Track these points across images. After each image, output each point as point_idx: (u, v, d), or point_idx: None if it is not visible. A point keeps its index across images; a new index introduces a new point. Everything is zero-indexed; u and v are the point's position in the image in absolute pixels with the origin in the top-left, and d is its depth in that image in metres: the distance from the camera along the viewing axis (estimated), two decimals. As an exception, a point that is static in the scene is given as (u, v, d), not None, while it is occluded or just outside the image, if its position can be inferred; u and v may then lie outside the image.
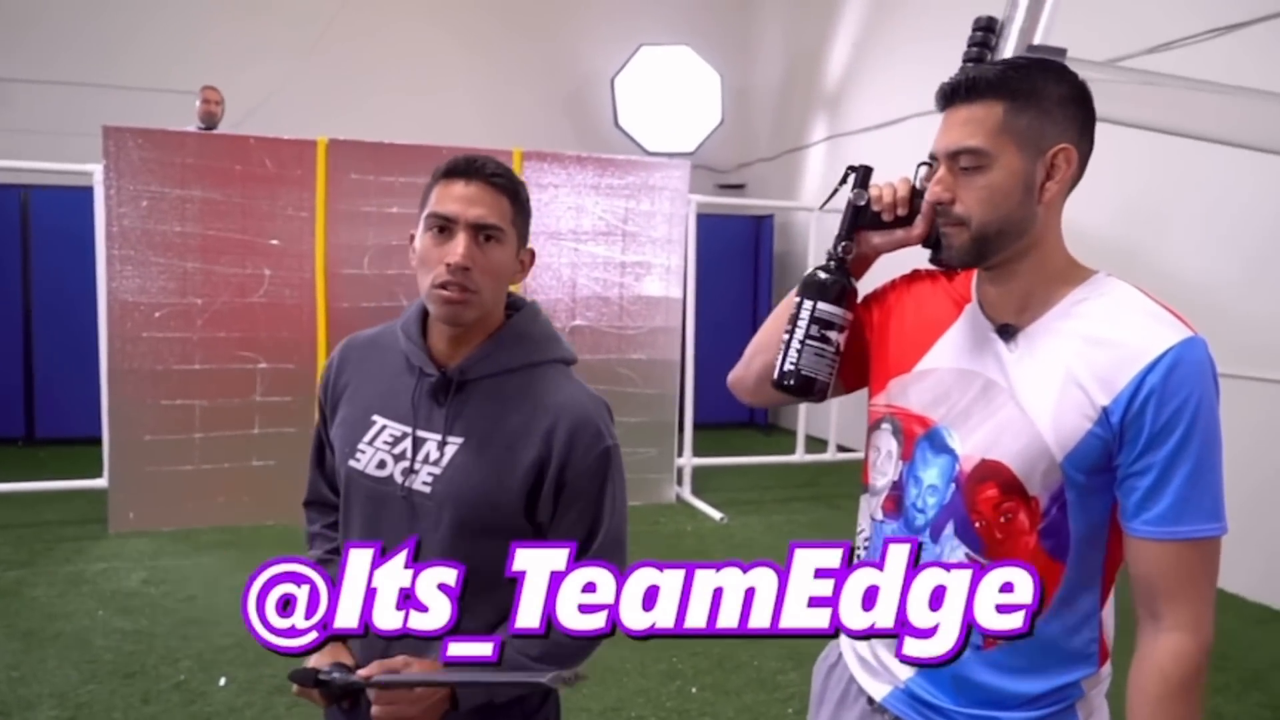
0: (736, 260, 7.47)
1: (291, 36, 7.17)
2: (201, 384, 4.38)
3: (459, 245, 1.12)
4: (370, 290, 4.59)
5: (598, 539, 1.20)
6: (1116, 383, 0.97)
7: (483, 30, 7.79)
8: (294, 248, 4.51)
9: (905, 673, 1.12)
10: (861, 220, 1.17)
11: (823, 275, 1.15)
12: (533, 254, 1.26)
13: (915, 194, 1.17)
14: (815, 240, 5.54)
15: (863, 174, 1.19)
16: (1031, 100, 1.00)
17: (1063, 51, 1.25)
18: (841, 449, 5.67)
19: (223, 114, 5.81)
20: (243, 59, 7.08)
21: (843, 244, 1.16)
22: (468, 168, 1.15)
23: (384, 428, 1.23)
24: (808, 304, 1.13)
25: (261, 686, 2.80)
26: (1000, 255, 1.04)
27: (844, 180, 1.21)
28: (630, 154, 6.53)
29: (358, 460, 1.23)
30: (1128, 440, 0.98)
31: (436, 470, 1.19)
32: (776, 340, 1.17)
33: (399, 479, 1.20)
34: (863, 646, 1.19)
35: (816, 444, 5.76)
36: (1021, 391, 1.03)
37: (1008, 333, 1.06)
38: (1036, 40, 1.29)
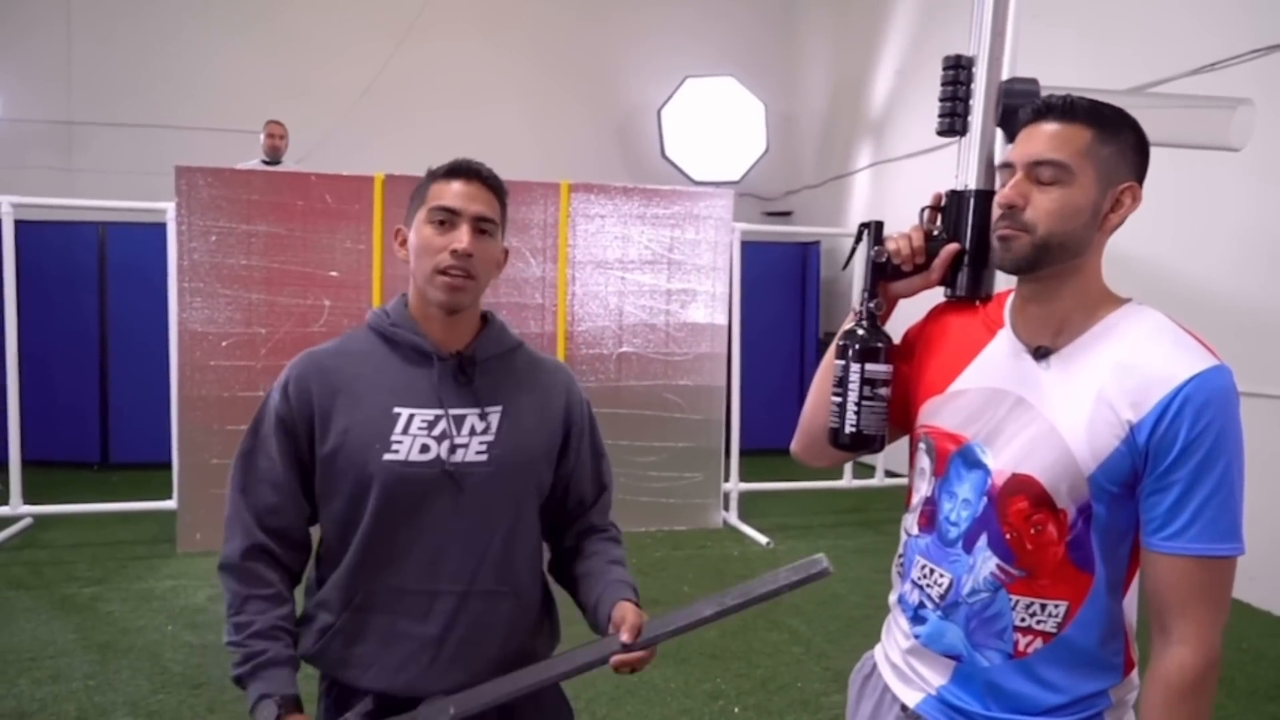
0: (783, 286, 7.52)
1: (349, 75, 7.49)
2: (265, 410, 4.57)
3: (464, 234, 1.25)
4: (424, 319, 4.76)
5: (605, 474, 1.47)
6: (1144, 404, 1.03)
7: (534, 66, 8.04)
8: (352, 279, 4.70)
9: (938, 680, 1.18)
10: (883, 274, 1.24)
11: (862, 335, 1.21)
12: (507, 252, 1.39)
13: (928, 239, 1.24)
14: (860, 269, 5.57)
15: (876, 230, 1.26)
16: (1116, 136, 1.08)
17: (1035, 82, 1.31)
18: (889, 474, 5.66)
19: (286, 147, 6.12)
20: (302, 98, 7.41)
21: (874, 301, 1.23)
22: (466, 169, 1.30)
23: (413, 416, 1.27)
24: (855, 366, 1.19)
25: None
26: (1051, 268, 1.09)
27: (859, 239, 1.28)
28: (677, 183, 6.66)
29: (395, 452, 1.25)
30: (1152, 459, 1.04)
31: (489, 438, 1.29)
32: (827, 404, 1.23)
33: (446, 457, 1.27)
34: (897, 656, 1.25)
35: (864, 469, 5.76)
36: (1054, 409, 1.08)
37: (1042, 354, 1.12)
38: (1004, 75, 1.36)
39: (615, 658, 1.21)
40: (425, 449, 1.27)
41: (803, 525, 5.34)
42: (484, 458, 1.28)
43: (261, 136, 6.07)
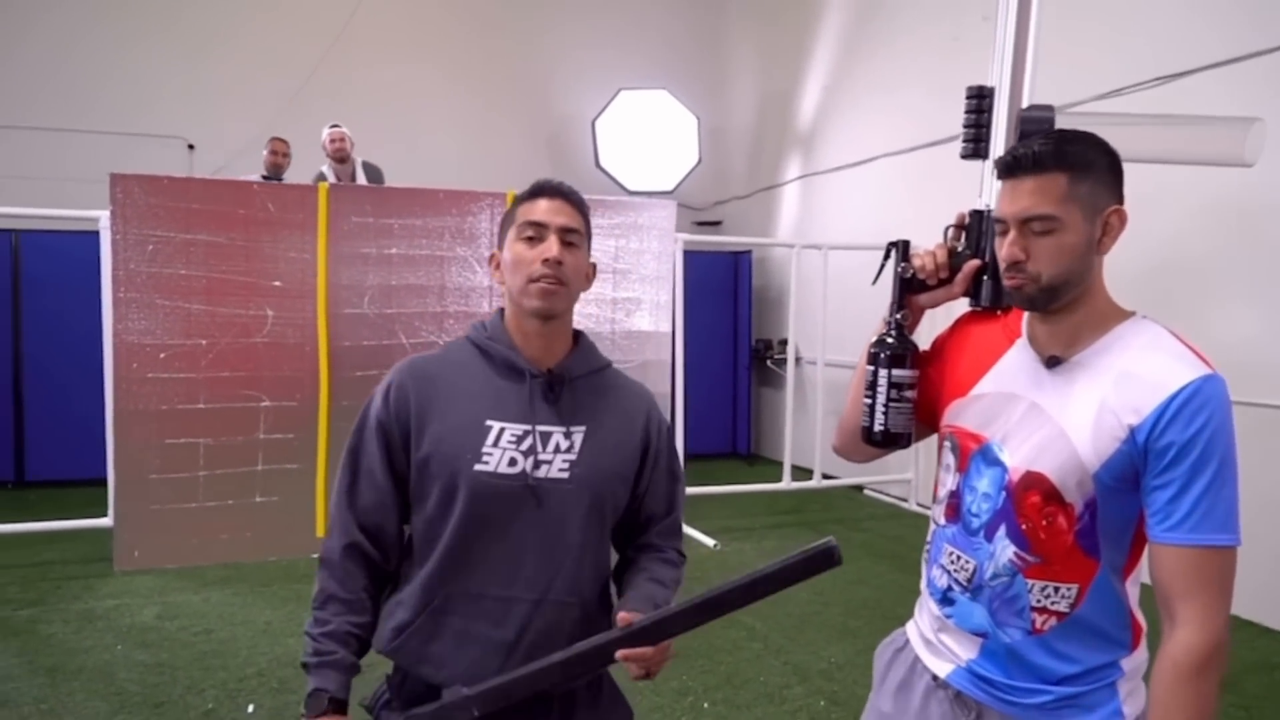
0: (716, 294, 7.70)
1: (276, 82, 7.34)
2: (206, 422, 4.46)
3: (552, 244, 1.33)
4: (370, 329, 4.72)
5: (678, 499, 1.48)
6: (1143, 409, 1.14)
7: (467, 76, 8.03)
8: (296, 289, 4.62)
9: (967, 654, 1.29)
10: (910, 288, 1.36)
11: (890, 343, 1.33)
12: (595, 267, 1.45)
13: (951, 255, 1.35)
14: (796, 275, 5.76)
15: (903, 248, 1.37)
16: (1088, 171, 1.16)
17: (1051, 108, 1.43)
18: (826, 476, 5.86)
19: (289, 164, 5.99)
20: (228, 104, 7.23)
21: (901, 313, 1.35)
22: (550, 188, 1.38)
23: (503, 429, 1.32)
24: (883, 372, 1.32)
25: (289, 713, 2.89)
26: (1062, 302, 1.20)
27: (888, 256, 1.39)
28: (610, 194, 6.76)
29: (485, 463, 1.31)
30: (1152, 458, 1.14)
31: (571, 456, 1.34)
32: (861, 405, 1.36)
33: (530, 472, 1.32)
34: (928, 631, 1.36)
35: (802, 473, 5.94)
36: (1062, 413, 1.20)
37: (1054, 364, 1.23)
38: (1024, 103, 1.48)
39: (621, 651, 1.22)
40: (513, 463, 1.32)
41: (746, 527, 5.48)
42: (566, 475, 1.33)
43: (264, 152, 5.95)
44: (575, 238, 1.36)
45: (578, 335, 1.45)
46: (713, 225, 8.78)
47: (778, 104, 8.02)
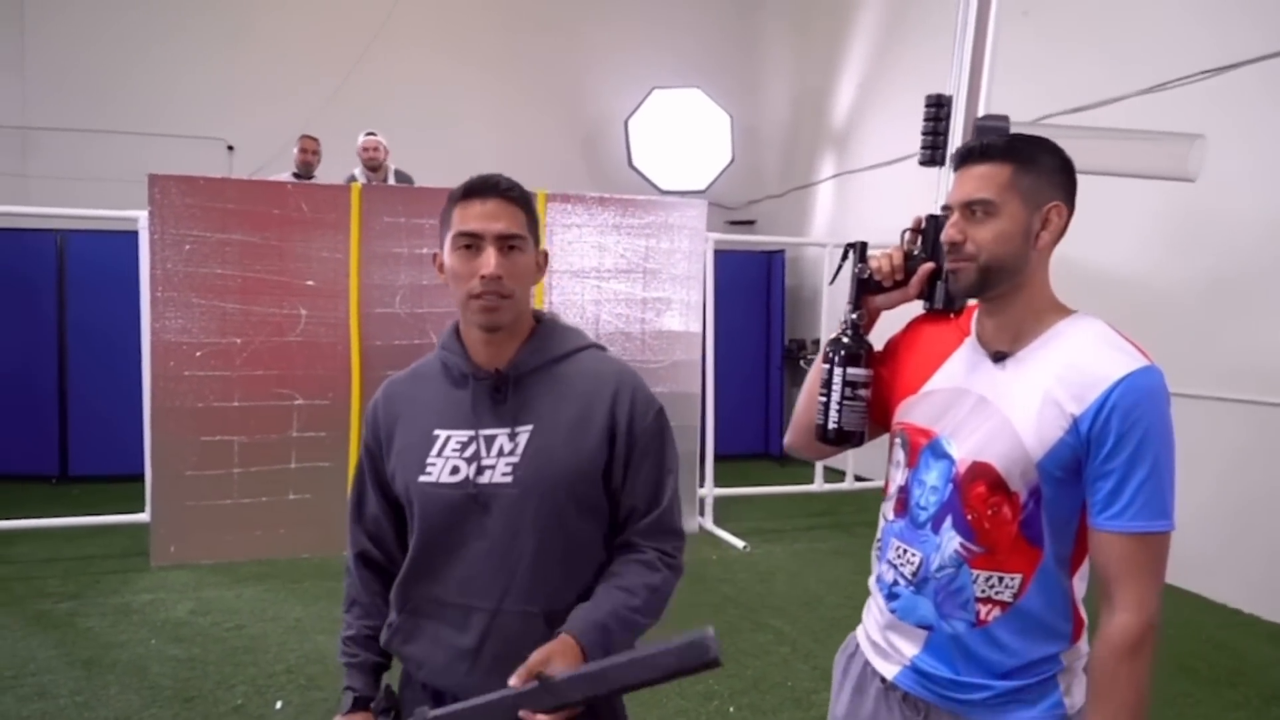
0: (749, 294, 7.64)
1: (313, 84, 7.42)
2: (240, 420, 4.53)
3: (489, 258, 1.24)
4: (402, 328, 4.75)
5: (666, 492, 1.34)
6: (1085, 399, 1.18)
7: (501, 77, 8.07)
8: (329, 288, 4.67)
9: (912, 651, 1.31)
10: (866, 289, 1.39)
11: (846, 342, 1.36)
12: (546, 255, 1.37)
13: (907, 258, 1.38)
14: (828, 274, 5.70)
15: (860, 249, 1.41)
16: (1033, 166, 1.23)
17: (1006, 118, 1.44)
18: (859, 478, 5.79)
19: (319, 162, 6.01)
20: (265, 106, 7.33)
21: (857, 313, 1.38)
22: (484, 187, 1.27)
23: (449, 438, 1.29)
24: (838, 370, 1.35)
25: (316, 709, 2.92)
26: (998, 289, 1.25)
27: (845, 257, 1.43)
28: (644, 193, 6.74)
29: (429, 474, 1.29)
30: (1094, 447, 1.18)
31: (514, 459, 1.27)
32: (815, 403, 1.39)
33: (474, 478, 1.27)
34: (876, 633, 1.37)
35: (834, 473, 5.88)
36: (1008, 405, 1.24)
37: (999, 358, 1.26)
38: (980, 112, 1.48)
39: (523, 712, 1.10)
40: (455, 470, 1.28)
41: (776, 529, 5.44)
42: (509, 479, 1.27)
43: (294, 150, 6.01)
44: (517, 241, 1.27)
45: (540, 322, 1.37)
46: (746, 224, 8.73)
47: (811, 102, 7.95)
